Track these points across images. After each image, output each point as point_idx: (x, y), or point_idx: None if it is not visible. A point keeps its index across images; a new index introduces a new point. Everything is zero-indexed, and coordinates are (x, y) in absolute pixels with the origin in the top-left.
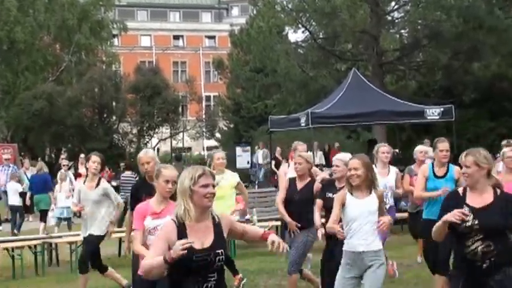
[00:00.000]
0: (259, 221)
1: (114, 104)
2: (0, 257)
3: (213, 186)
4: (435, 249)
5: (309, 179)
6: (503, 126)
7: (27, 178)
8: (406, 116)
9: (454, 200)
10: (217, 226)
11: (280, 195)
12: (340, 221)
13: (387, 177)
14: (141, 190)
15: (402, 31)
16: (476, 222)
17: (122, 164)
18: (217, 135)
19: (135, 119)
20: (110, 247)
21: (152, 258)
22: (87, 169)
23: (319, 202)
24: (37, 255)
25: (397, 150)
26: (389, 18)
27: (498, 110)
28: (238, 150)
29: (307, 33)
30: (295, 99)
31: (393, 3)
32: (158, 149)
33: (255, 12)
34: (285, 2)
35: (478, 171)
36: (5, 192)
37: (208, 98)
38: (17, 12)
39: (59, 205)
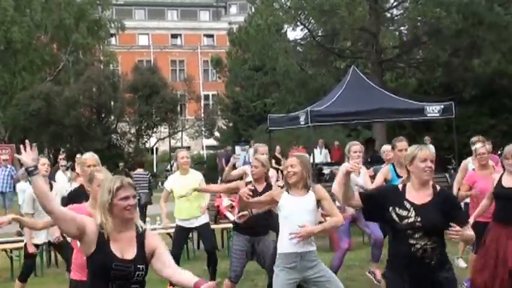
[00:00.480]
0: None
1: (112, 103)
2: None
3: (134, 197)
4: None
5: (265, 183)
6: (504, 123)
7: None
8: (406, 113)
9: (394, 193)
10: (140, 239)
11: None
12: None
13: (360, 176)
14: (82, 196)
15: (401, 28)
16: (419, 219)
17: (120, 164)
18: (216, 134)
19: (134, 118)
20: None
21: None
22: None
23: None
24: (36, 256)
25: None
26: (389, 15)
27: (498, 107)
28: (237, 149)
29: (306, 31)
30: (294, 97)
31: (392, 0)
32: (157, 149)
33: (253, 10)
34: (283, 0)
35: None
36: (2, 193)
37: (206, 97)
38: (14, 12)
39: None
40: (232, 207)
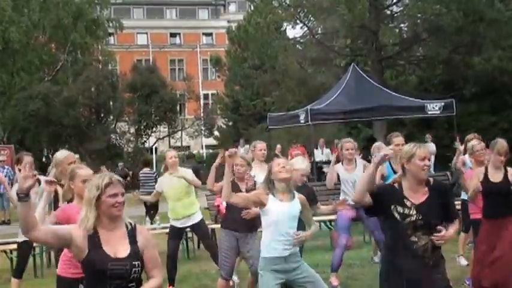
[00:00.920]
0: None
1: (111, 103)
2: None
3: (122, 194)
4: None
5: (248, 183)
6: (505, 121)
7: None
8: (407, 111)
9: (392, 191)
10: (131, 236)
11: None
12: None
13: (355, 173)
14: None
15: (401, 25)
16: (420, 217)
17: (120, 164)
18: (216, 133)
19: (133, 118)
20: None
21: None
22: None
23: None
24: (36, 257)
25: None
26: (388, 12)
27: (499, 104)
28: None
29: (306, 29)
30: (294, 96)
31: None
32: (156, 148)
33: (252, 8)
34: None
35: None
36: (0, 194)
37: (206, 96)
38: (12, 12)
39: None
40: None
